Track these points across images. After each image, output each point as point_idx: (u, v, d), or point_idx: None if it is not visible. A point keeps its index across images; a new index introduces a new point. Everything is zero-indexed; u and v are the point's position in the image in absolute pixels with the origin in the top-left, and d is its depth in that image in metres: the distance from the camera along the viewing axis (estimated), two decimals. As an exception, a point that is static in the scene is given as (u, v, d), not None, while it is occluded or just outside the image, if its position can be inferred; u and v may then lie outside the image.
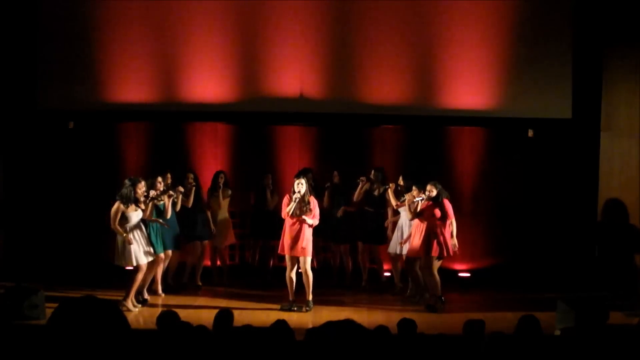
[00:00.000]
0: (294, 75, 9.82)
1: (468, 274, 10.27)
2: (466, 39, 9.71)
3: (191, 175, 9.52)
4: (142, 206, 8.34)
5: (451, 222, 8.57)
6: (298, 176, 8.43)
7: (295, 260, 8.42)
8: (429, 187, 8.51)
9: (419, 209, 8.54)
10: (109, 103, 9.91)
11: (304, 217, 8.28)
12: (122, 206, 8.16)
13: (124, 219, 8.18)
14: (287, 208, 8.31)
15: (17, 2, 9.89)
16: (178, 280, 9.54)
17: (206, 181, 9.80)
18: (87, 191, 10.14)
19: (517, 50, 9.73)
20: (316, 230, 8.99)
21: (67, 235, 10.11)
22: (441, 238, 8.44)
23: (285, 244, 8.38)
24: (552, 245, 9.97)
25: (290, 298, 8.46)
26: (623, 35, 9.52)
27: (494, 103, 9.82)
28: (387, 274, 9.91)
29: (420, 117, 9.99)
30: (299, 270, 8.50)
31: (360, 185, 9.58)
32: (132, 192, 8.22)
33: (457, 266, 10.21)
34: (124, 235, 8.14)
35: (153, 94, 9.90)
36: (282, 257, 10.39)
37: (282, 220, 9.99)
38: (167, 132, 10.48)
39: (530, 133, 9.99)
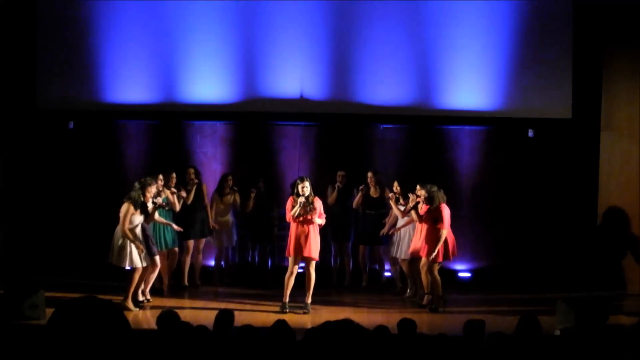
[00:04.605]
0: (294, 76, 9.82)
1: (468, 274, 10.27)
2: (466, 39, 9.71)
3: (192, 171, 9.49)
4: (149, 210, 8.20)
5: (444, 230, 8.39)
6: (302, 179, 8.27)
7: (299, 262, 8.31)
8: (418, 187, 8.50)
9: (412, 212, 8.54)
10: (109, 103, 9.91)
11: (311, 217, 8.17)
12: (132, 208, 8.02)
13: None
14: (292, 211, 8.22)
15: (16, 2, 9.89)
16: (178, 281, 9.53)
17: (205, 181, 9.81)
18: (87, 191, 10.13)
19: (517, 50, 9.73)
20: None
21: (67, 235, 10.09)
22: (442, 241, 8.44)
23: (291, 246, 8.26)
24: (552, 245, 9.97)
25: (285, 300, 8.31)
26: (623, 35, 9.53)
27: (494, 103, 9.83)
28: (387, 274, 9.92)
29: (420, 117, 9.99)
30: (300, 271, 8.44)
31: (359, 194, 9.59)
32: (141, 196, 8.12)
33: (457, 266, 10.21)
34: (135, 242, 8.01)
35: (153, 94, 9.90)
36: (283, 258, 10.40)
37: (276, 224, 9.96)
38: (167, 132, 10.47)
39: (531, 133, 10.00)
